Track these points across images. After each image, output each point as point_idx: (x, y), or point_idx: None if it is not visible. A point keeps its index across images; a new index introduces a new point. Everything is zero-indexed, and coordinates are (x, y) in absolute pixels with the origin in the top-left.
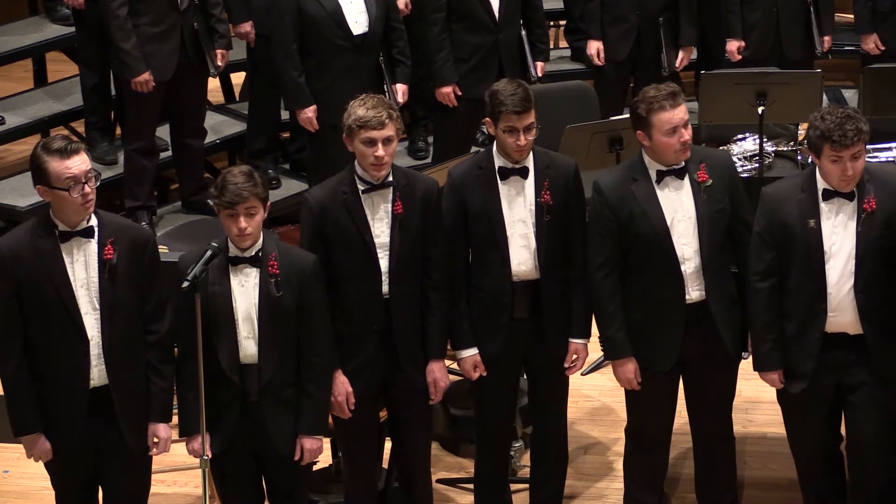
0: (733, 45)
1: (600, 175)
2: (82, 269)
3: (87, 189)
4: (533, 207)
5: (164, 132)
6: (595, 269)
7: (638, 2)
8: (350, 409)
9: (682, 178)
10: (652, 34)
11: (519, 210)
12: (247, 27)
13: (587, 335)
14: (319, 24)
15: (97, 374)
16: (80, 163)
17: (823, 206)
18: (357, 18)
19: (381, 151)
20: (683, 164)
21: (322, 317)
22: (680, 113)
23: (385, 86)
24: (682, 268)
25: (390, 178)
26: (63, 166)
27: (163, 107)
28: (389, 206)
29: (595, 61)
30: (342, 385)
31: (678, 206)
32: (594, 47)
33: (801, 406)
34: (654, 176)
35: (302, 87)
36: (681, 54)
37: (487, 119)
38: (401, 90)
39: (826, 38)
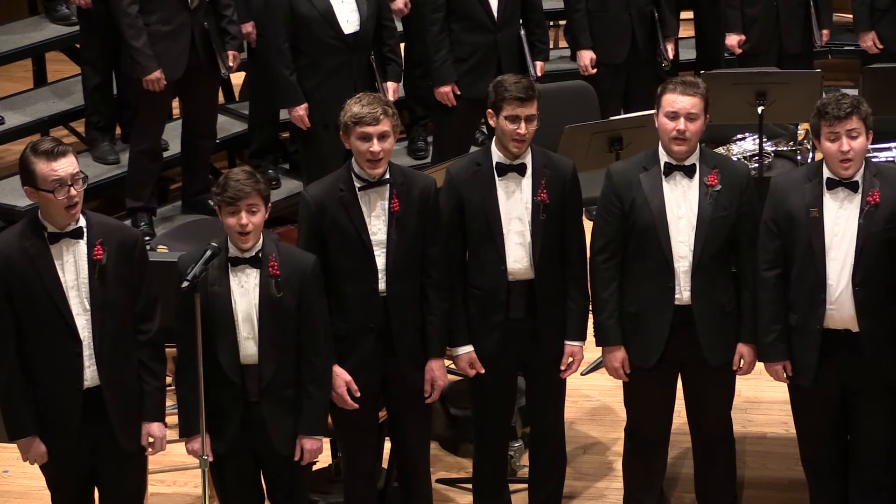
0: (733, 39)
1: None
2: (72, 269)
3: (73, 192)
4: (529, 205)
5: (163, 133)
6: (595, 253)
7: (626, 1)
8: (354, 396)
9: (692, 178)
10: (644, 30)
11: (516, 207)
12: (248, 27)
13: (583, 337)
14: (311, 24)
15: (90, 374)
16: (66, 165)
17: (827, 196)
18: (348, 17)
19: (376, 147)
20: (694, 163)
21: (322, 317)
22: (685, 101)
23: (376, 84)
24: (675, 265)
25: (387, 176)
26: (49, 168)
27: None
28: (386, 203)
29: (589, 70)
30: (340, 377)
31: (682, 204)
32: (586, 58)
33: (807, 403)
34: (663, 168)
35: (294, 85)
36: (669, 45)
37: (489, 111)
38: (391, 88)
39: (825, 32)
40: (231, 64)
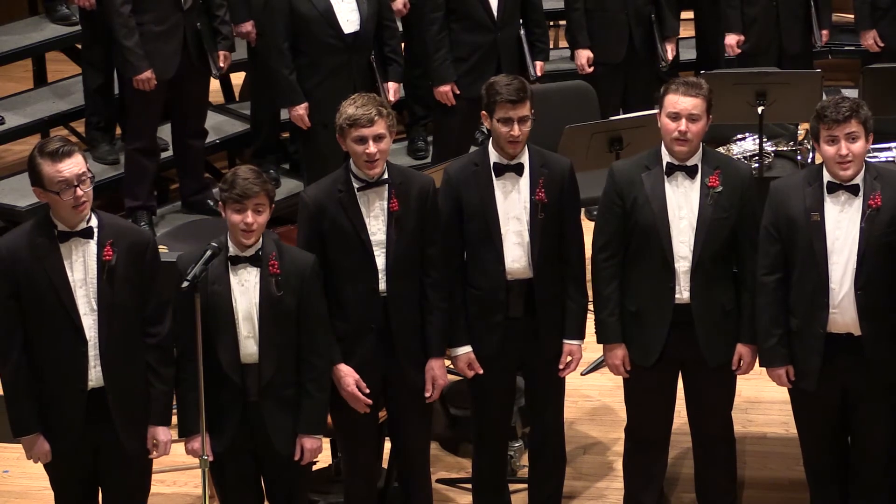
0: (732, 39)
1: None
2: (81, 269)
3: (80, 192)
4: (527, 204)
5: (164, 132)
6: (597, 251)
7: (624, 1)
8: (364, 392)
9: (693, 178)
10: (641, 30)
11: (514, 206)
12: (248, 27)
13: (581, 336)
14: (311, 24)
15: (95, 375)
16: (71, 165)
17: (828, 199)
18: (349, 17)
19: (372, 148)
20: (696, 163)
21: (322, 317)
22: (686, 102)
23: (377, 84)
24: (676, 265)
25: (385, 176)
26: (54, 169)
27: (164, 107)
28: (385, 203)
29: (586, 70)
30: (349, 376)
31: (683, 204)
32: (583, 57)
33: (809, 406)
34: (665, 168)
35: (294, 84)
36: (669, 46)
37: (484, 112)
38: (392, 88)
39: (824, 32)
40: (222, 64)
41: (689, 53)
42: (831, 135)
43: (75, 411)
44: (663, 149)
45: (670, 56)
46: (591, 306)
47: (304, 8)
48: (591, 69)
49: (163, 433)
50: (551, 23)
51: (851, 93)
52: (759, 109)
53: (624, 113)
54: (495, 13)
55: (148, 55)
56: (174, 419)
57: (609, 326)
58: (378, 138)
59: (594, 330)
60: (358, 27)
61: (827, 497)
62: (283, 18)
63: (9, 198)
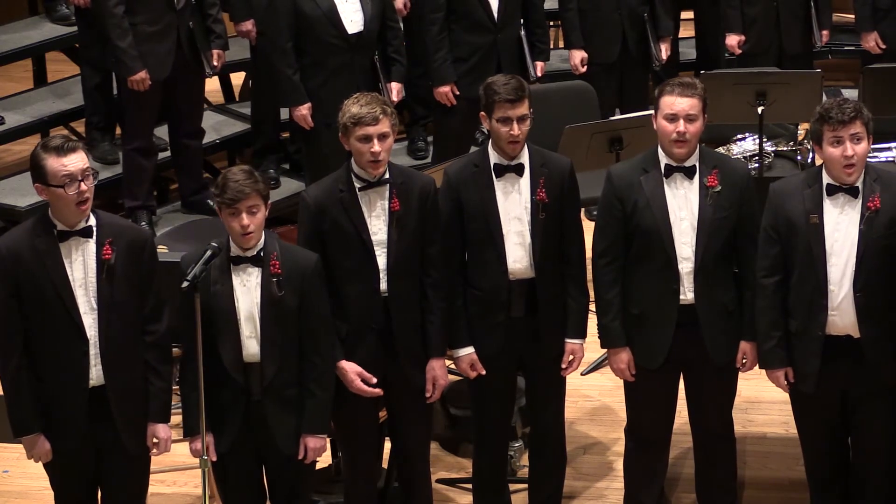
0: (733, 40)
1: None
2: (80, 268)
3: (84, 187)
4: (528, 205)
5: (163, 132)
6: (598, 256)
7: (617, 0)
8: (370, 384)
9: (692, 179)
10: (635, 30)
11: (514, 207)
12: (248, 25)
13: (583, 335)
14: (314, 23)
15: (96, 373)
16: (76, 161)
17: (827, 201)
18: (352, 17)
19: (376, 147)
20: (694, 164)
21: (324, 316)
22: (683, 103)
23: (380, 84)
24: (679, 266)
25: (387, 176)
26: (59, 164)
27: (161, 107)
28: (386, 203)
29: (579, 70)
30: (351, 371)
31: (683, 205)
32: (577, 57)
33: (809, 407)
34: (664, 170)
35: (297, 84)
36: (663, 46)
37: (482, 113)
38: (395, 88)
39: (825, 32)
40: (216, 63)
41: (689, 53)
42: (836, 136)
43: (77, 410)
44: (660, 150)
45: (664, 56)
46: (592, 307)
47: (307, 8)
48: (585, 69)
49: (163, 431)
50: (551, 23)
51: (851, 93)
52: (759, 109)
53: (621, 113)
54: (495, 14)
55: (142, 56)
56: (178, 419)
57: (612, 331)
58: (382, 137)
59: (597, 334)
60: (361, 27)
61: (827, 498)
62: (286, 18)
63: (9, 198)
